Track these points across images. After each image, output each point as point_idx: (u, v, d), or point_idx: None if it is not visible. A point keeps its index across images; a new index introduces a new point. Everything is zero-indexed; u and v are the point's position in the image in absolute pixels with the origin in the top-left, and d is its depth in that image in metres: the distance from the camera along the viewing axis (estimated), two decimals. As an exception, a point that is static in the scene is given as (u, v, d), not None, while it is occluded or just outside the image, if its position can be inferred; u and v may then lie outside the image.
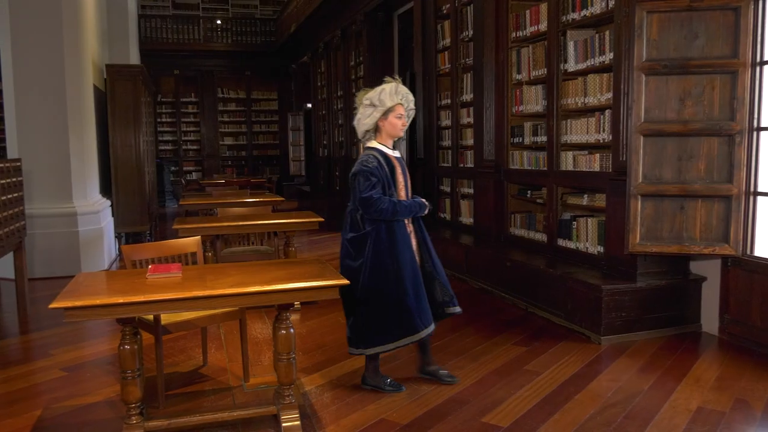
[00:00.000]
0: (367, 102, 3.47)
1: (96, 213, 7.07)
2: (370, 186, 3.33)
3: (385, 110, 3.42)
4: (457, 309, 3.62)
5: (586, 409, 3.30)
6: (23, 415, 3.33)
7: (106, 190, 8.07)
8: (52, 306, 2.51)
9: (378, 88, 3.48)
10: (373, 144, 3.50)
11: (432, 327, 3.47)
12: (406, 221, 3.49)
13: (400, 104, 3.45)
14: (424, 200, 3.55)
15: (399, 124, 3.46)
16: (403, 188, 3.51)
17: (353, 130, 3.98)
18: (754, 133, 4.17)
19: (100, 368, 4.04)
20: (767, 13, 4.09)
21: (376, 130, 3.50)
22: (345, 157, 11.89)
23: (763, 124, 4.16)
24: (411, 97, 3.53)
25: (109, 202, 7.86)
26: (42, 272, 6.59)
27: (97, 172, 7.61)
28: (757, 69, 4.13)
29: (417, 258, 3.52)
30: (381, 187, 3.37)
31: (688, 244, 4.26)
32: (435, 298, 3.55)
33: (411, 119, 3.59)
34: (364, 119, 3.48)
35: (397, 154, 3.56)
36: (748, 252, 4.24)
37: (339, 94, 12.43)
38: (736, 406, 3.31)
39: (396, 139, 3.55)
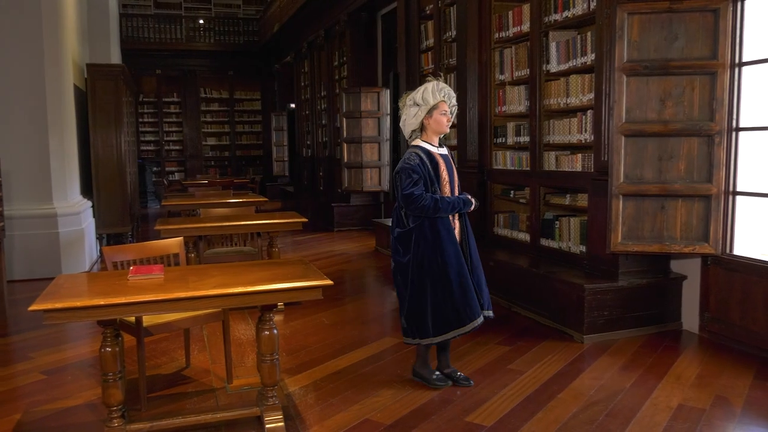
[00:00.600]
0: (411, 102, 3.55)
1: (77, 214, 6.99)
2: (411, 183, 3.39)
3: (430, 108, 3.50)
4: (485, 312, 3.60)
5: (569, 407, 3.32)
6: (2, 419, 3.28)
7: (86, 190, 7.99)
8: (31, 308, 2.48)
9: (420, 88, 3.55)
10: (417, 142, 3.57)
11: (480, 319, 3.51)
12: (451, 217, 3.53)
13: (443, 101, 3.51)
14: (469, 197, 3.57)
15: (444, 120, 3.52)
16: (447, 185, 3.53)
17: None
18: (733, 134, 4.22)
19: (81, 371, 4.00)
20: (746, 14, 4.15)
21: (421, 128, 3.58)
22: (329, 158, 11.87)
23: (741, 125, 4.22)
24: (453, 93, 3.58)
25: (90, 203, 7.78)
26: (22, 274, 6.50)
27: (77, 173, 7.53)
28: (736, 70, 4.18)
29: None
30: (423, 183, 3.42)
31: (668, 244, 4.30)
32: None
33: (454, 115, 3.65)
34: (409, 119, 3.56)
35: (443, 151, 3.62)
36: (728, 251, 4.29)
37: (323, 94, 12.40)
38: (716, 403, 3.35)
39: (441, 136, 3.63)
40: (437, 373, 3.66)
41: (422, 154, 3.48)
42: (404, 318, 3.58)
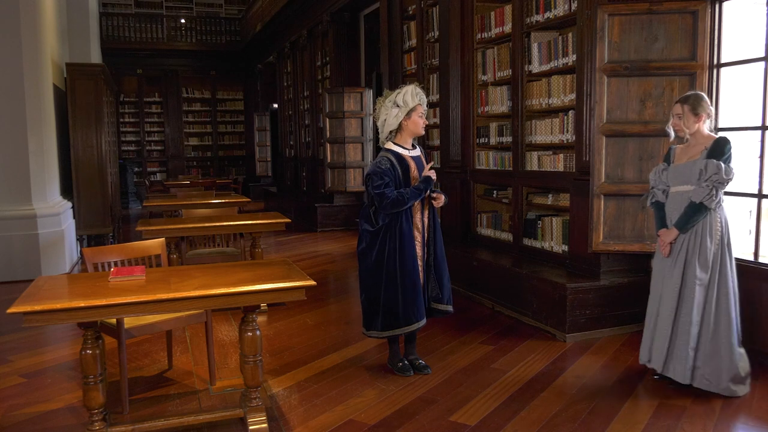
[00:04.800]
0: (391, 103, 3.77)
1: (56, 215, 6.91)
2: (383, 185, 3.62)
3: (409, 110, 3.72)
4: (443, 307, 3.84)
5: (552, 406, 3.34)
6: (-19, 423, 3.24)
7: (66, 191, 7.89)
8: (10, 310, 2.45)
9: (400, 90, 3.78)
10: (389, 146, 3.78)
11: (423, 322, 3.73)
12: (419, 214, 3.74)
13: (420, 104, 3.76)
14: (427, 175, 3.72)
15: (421, 122, 3.77)
16: (417, 181, 3.74)
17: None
18: (712, 134, 4.27)
19: (62, 374, 3.95)
20: (723, 16, 4.21)
21: (398, 129, 3.75)
22: (312, 158, 11.84)
23: (720, 125, 4.26)
24: (425, 98, 3.83)
25: (70, 204, 7.69)
26: (0, 276, 6.41)
27: (57, 173, 7.44)
28: (714, 71, 4.24)
29: (423, 253, 3.79)
30: (394, 186, 3.66)
31: (649, 243, 4.34)
32: (427, 291, 3.81)
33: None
34: (390, 119, 3.77)
35: (415, 152, 3.83)
36: (707, 249, 4.34)
37: (305, 94, 12.37)
38: (696, 400, 3.39)
39: (416, 137, 3.85)
40: (404, 362, 3.86)
41: (392, 158, 3.72)
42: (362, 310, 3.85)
